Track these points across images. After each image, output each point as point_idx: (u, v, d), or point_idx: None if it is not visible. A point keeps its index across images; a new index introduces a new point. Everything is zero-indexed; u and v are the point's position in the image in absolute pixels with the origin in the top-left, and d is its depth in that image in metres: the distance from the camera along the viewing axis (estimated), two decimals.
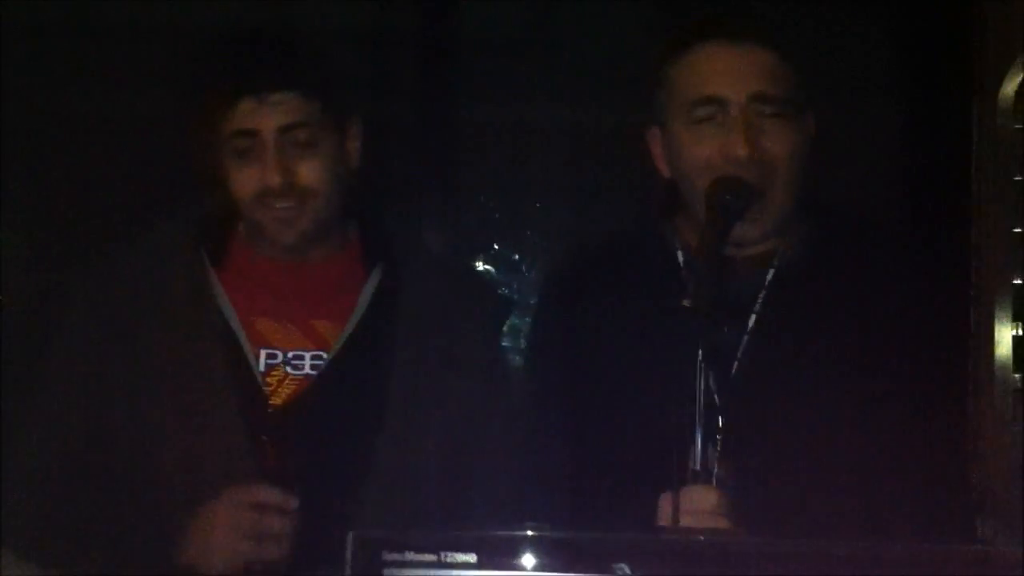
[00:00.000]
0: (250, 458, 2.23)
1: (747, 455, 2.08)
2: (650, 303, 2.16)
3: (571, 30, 3.66)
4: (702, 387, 1.91)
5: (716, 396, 2.10)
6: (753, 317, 2.19)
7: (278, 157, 2.22)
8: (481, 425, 2.32)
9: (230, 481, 2.20)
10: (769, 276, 2.21)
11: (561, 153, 3.65)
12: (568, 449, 2.22)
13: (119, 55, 3.48)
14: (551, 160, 3.65)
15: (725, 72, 2.15)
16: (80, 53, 3.51)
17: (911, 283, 2.23)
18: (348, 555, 1.38)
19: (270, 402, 2.28)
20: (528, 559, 1.43)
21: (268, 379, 2.29)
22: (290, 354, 2.30)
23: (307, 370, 2.29)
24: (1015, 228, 3.16)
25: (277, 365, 2.30)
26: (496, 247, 3.64)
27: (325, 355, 2.30)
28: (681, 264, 2.23)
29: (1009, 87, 3.14)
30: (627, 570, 1.42)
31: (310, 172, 2.25)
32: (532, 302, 3.29)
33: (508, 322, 2.79)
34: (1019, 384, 3.17)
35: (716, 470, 2.01)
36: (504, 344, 2.67)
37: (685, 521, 1.87)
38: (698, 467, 1.92)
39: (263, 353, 2.30)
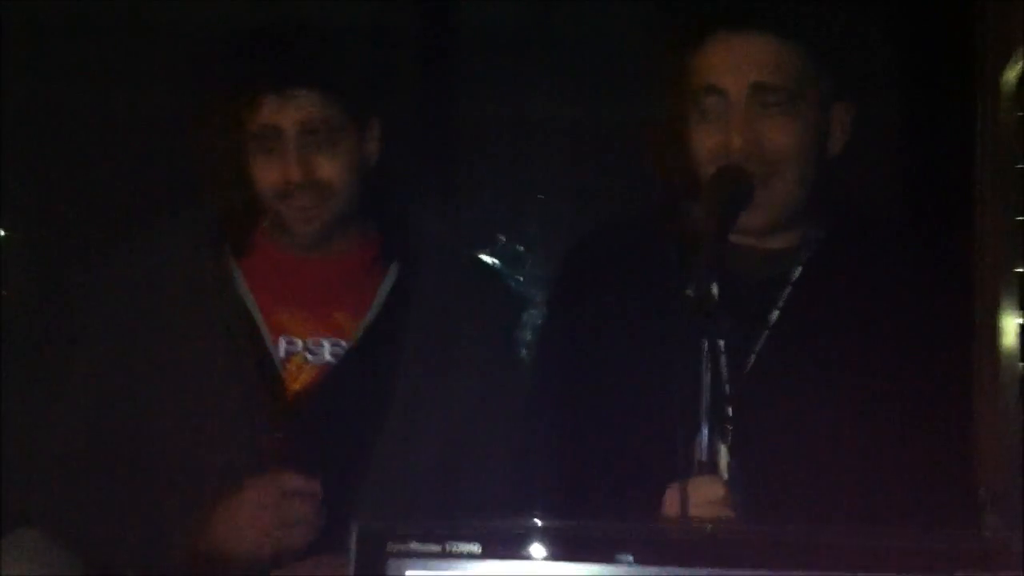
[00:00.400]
0: (268, 443, 2.27)
1: (758, 447, 2.08)
2: (656, 294, 2.16)
3: (571, 28, 3.65)
4: (708, 378, 1.90)
5: (727, 387, 2.11)
6: (776, 312, 2.19)
7: (299, 153, 2.30)
8: (493, 418, 2.36)
9: (249, 465, 2.24)
10: (797, 273, 2.21)
11: (561, 151, 3.65)
12: (575, 441, 2.22)
13: (134, 53, 3.50)
14: (551, 158, 3.65)
15: (727, 63, 2.15)
16: (101, 51, 3.53)
17: (923, 278, 2.24)
18: (352, 544, 1.38)
19: (288, 388, 2.32)
20: (533, 549, 1.42)
21: (288, 365, 2.34)
22: (309, 342, 2.35)
23: (327, 357, 2.34)
24: (1018, 217, 3.16)
25: (296, 352, 2.35)
26: (496, 246, 3.64)
27: (344, 343, 2.36)
28: (686, 255, 2.23)
29: (1011, 75, 3.13)
30: (632, 560, 1.41)
31: (330, 168, 2.32)
32: (534, 299, 3.30)
33: (521, 316, 2.84)
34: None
35: (726, 460, 2.01)
36: (517, 337, 2.70)
37: (692, 512, 1.86)
38: (704, 458, 1.92)
39: (282, 340, 2.35)
